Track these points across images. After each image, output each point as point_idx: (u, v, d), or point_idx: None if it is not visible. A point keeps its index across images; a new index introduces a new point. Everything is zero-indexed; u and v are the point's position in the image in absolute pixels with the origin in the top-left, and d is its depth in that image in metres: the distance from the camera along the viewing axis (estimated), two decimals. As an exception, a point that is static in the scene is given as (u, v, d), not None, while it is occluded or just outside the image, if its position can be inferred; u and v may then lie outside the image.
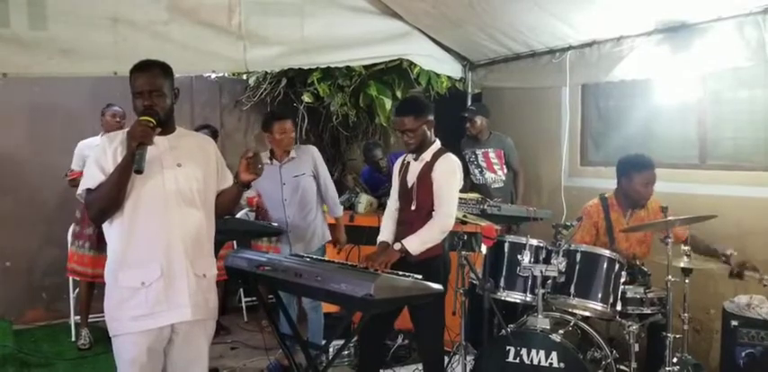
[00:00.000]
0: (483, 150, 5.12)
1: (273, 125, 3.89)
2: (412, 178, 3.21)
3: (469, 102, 5.33)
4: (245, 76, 5.82)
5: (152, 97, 2.36)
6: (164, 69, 2.42)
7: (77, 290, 4.67)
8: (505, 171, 5.14)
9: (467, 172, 5.13)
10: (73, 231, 4.59)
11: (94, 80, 4.92)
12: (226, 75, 5.77)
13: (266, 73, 5.55)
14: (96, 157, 2.37)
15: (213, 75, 5.65)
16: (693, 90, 4.45)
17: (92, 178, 2.35)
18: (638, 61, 3.88)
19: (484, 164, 5.12)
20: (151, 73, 2.38)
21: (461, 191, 3.36)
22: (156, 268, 2.33)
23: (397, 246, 3.04)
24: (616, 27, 3.90)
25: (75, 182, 4.45)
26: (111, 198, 2.30)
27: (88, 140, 4.54)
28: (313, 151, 4.05)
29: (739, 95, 4.30)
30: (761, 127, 4.15)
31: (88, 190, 2.35)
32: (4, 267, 5.06)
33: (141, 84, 2.36)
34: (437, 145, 3.22)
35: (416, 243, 3.03)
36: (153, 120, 2.30)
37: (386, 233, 3.33)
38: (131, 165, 2.25)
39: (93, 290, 4.57)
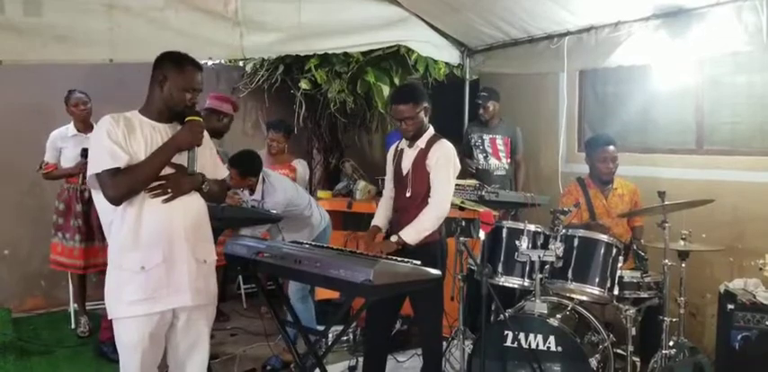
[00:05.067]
0: (491, 136, 5.13)
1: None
2: (407, 165, 3.21)
3: (467, 89, 5.33)
4: (241, 63, 5.79)
5: (196, 95, 2.47)
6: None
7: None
8: (509, 160, 5.15)
9: (469, 156, 5.14)
10: (55, 222, 4.50)
11: (90, 67, 4.89)
12: (222, 61, 5.72)
13: (263, 59, 5.52)
14: (108, 136, 2.30)
15: (210, 62, 5.60)
16: (691, 75, 4.45)
17: (114, 158, 2.28)
18: (635, 46, 3.87)
19: (490, 150, 5.13)
20: (201, 73, 2.49)
21: (459, 177, 3.36)
22: (158, 253, 2.34)
23: (393, 238, 3.05)
24: (614, 12, 3.89)
25: (49, 175, 4.37)
26: (148, 180, 2.34)
27: (59, 130, 4.44)
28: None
29: (737, 80, 4.30)
30: (758, 112, 4.16)
31: (115, 170, 2.29)
32: (2, 255, 5.06)
33: (198, 82, 2.46)
34: (431, 131, 3.22)
35: (413, 234, 3.05)
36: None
37: (379, 218, 3.35)
38: (168, 157, 2.37)
39: (86, 279, 4.58)
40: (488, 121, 5.12)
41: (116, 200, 2.31)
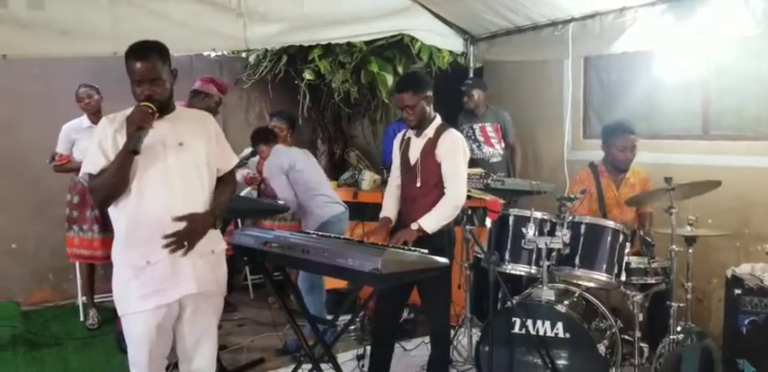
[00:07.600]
0: (480, 124, 5.10)
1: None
2: (415, 154, 3.20)
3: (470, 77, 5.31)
4: (245, 54, 5.78)
5: (152, 85, 2.32)
6: (161, 53, 2.36)
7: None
8: (503, 145, 5.13)
9: None
10: (69, 216, 4.51)
11: (94, 60, 4.88)
12: (225, 53, 5.71)
13: (266, 50, 5.51)
14: (98, 140, 2.35)
15: (213, 54, 5.60)
16: (697, 60, 4.42)
17: (93, 163, 2.34)
18: (641, 32, 3.84)
19: (481, 139, 5.11)
20: (150, 61, 2.31)
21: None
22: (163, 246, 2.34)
23: (414, 226, 3.03)
24: (619, -3, 3.86)
25: (62, 168, 4.33)
26: (114, 184, 2.31)
27: (73, 122, 4.45)
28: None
29: (743, 65, 4.26)
30: (765, 96, 4.12)
31: (91, 175, 2.34)
32: (10, 249, 5.08)
33: (141, 72, 2.30)
34: (438, 120, 3.20)
35: (433, 222, 3.04)
36: (153, 106, 2.30)
37: (388, 210, 3.32)
38: (123, 154, 2.27)
39: (95, 271, 4.59)
40: (475, 110, 5.09)
41: (100, 205, 2.36)
